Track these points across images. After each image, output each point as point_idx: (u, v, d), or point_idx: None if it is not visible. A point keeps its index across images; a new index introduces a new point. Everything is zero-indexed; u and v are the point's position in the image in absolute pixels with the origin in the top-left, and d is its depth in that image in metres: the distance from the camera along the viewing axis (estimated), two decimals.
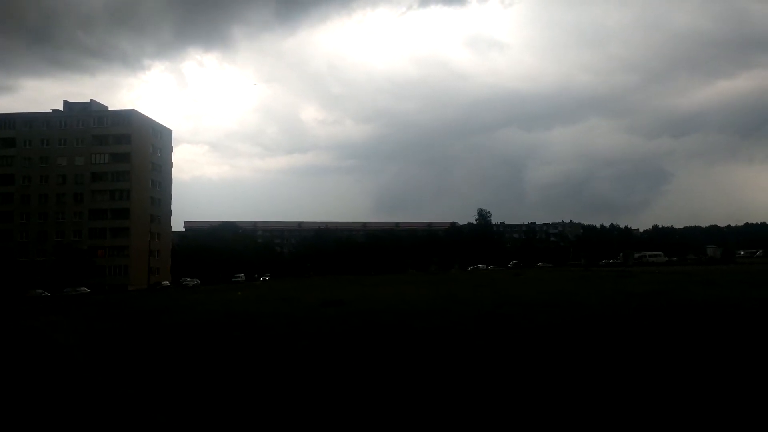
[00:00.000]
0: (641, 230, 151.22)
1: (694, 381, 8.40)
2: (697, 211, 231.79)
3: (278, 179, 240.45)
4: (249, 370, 10.85)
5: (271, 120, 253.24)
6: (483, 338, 13.43)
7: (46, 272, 73.98)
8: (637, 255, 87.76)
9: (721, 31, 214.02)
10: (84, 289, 69.64)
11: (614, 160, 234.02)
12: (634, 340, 12.32)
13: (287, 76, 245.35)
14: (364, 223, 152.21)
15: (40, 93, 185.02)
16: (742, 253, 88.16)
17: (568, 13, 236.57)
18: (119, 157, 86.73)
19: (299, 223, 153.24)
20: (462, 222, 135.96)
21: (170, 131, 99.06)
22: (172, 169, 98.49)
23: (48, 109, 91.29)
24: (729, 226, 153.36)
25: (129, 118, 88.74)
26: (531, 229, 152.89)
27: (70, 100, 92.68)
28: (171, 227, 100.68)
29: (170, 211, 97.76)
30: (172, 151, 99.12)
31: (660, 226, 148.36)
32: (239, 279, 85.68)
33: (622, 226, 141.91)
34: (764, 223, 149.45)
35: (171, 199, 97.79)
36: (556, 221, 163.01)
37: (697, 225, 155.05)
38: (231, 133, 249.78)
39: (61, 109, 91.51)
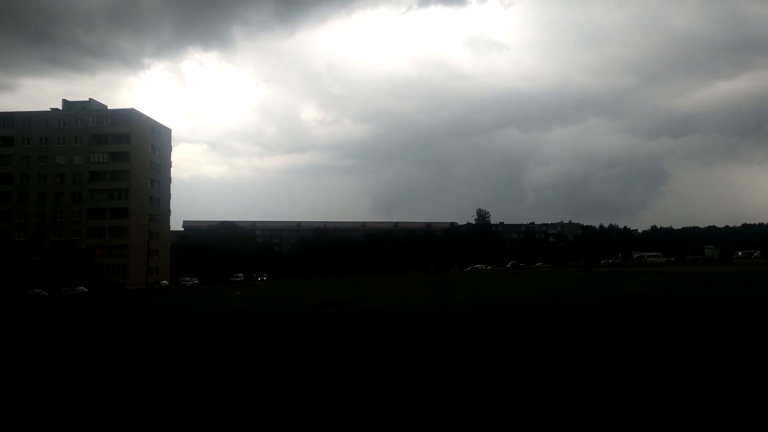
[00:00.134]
0: (640, 231, 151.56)
1: (691, 381, 8.39)
2: (695, 211, 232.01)
3: (277, 179, 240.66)
4: (247, 369, 10.83)
5: (270, 119, 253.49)
6: (482, 338, 13.42)
7: (44, 272, 73.87)
8: (635, 255, 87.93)
9: (720, 32, 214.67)
10: (82, 288, 69.46)
11: (613, 160, 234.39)
12: (632, 340, 12.32)
13: (287, 76, 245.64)
14: (363, 223, 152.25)
15: (39, 92, 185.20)
16: (740, 253, 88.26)
17: (567, 14, 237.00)
18: (118, 156, 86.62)
19: (298, 223, 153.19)
20: (461, 222, 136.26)
21: (169, 130, 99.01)
22: (171, 169, 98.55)
23: (47, 108, 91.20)
24: (727, 226, 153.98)
25: (128, 117, 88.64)
26: (530, 229, 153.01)
27: (69, 99, 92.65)
28: (170, 227, 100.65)
29: (169, 210, 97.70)
30: (171, 150, 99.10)
31: (659, 227, 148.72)
32: (238, 279, 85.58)
33: (621, 226, 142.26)
34: (762, 224, 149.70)
35: (170, 198, 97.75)
36: (555, 222, 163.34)
37: (695, 226, 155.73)
38: (230, 132, 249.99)
39: (60, 108, 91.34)
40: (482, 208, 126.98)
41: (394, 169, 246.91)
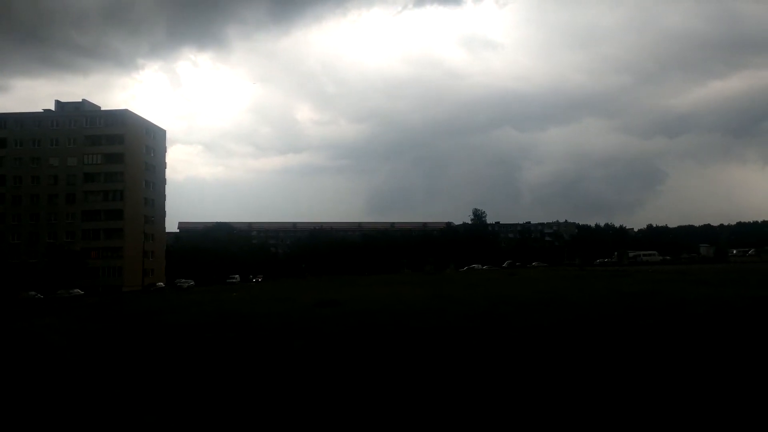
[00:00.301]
0: (636, 230, 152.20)
1: (686, 379, 8.40)
2: (690, 210, 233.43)
3: (272, 179, 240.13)
4: (243, 370, 10.78)
5: (264, 120, 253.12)
6: (479, 338, 13.41)
7: (39, 274, 73.50)
8: (631, 254, 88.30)
9: (714, 32, 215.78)
10: (77, 290, 69.18)
11: (608, 160, 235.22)
12: (628, 339, 12.34)
13: (281, 76, 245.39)
14: (359, 224, 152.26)
15: (31, 92, 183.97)
16: (734, 251, 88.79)
17: (562, 14, 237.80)
18: (112, 158, 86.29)
19: (294, 224, 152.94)
20: (457, 222, 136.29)
21: (164, 131, 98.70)
22: (166, 170, 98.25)
23: (39, 109, 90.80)
24: (722, 225, 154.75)
25: (122, 119, 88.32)
26: (526, 228, 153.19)
27: (62, 100, 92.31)
28: (165, 228, 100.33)
29: (164, 211, 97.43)
30: (165, 151, 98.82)
31: (654, 226, 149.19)
32: (234, 280, 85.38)
33: (617, 225, 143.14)
34: (757, 222, 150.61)
35: (165, 199, 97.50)
36: (551, 221, 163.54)
37: (690, 224, 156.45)
38: (225, 133, 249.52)
39: (53, 109, 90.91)
40: (478, 207, 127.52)
41: (389, 169, 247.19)
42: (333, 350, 12.64)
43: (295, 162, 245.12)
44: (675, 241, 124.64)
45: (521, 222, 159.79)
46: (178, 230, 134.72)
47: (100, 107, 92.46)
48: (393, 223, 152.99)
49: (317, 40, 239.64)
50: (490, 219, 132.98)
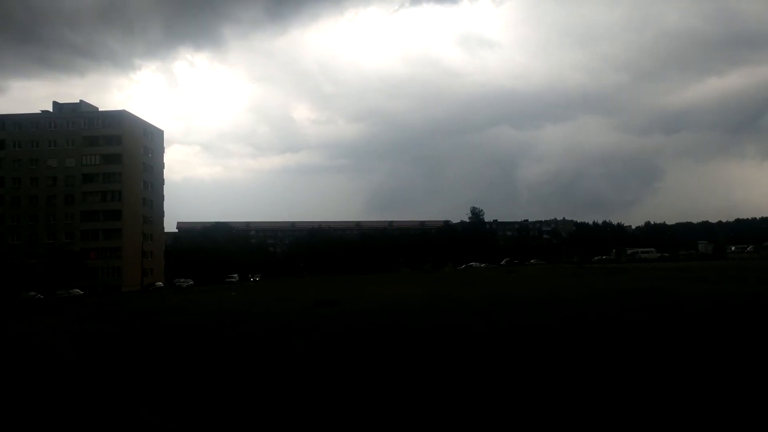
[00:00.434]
0: (634, 227, 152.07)
1: (685, 376, 8.47)
2: (688, 207, 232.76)
3: (271, 179, 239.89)
4: (242, 370, 10.83)
5: (262, 120, 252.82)
6: (478, 336, 13.48)
7: (38, 275, 73.55)
8: (629, 252, 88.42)
9: (711, 29, 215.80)
10: (77, 291, 69.25)
11: (606, 157, 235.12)
12: (626, 336, 12.41)
13: (279, 76, 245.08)
14: (358, 223, 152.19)
15: (28, 93, 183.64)
16: (733, 248, 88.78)
17: (559, 12, 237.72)
18: (110, 159, 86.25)
19: (292, 223, 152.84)
20: (455, 220, 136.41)
21: (161, 132, 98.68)
22: (164, 170, 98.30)
23: (37, 110, 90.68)
24: (720, 222, 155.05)
25: (120, 119, 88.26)
26: (524, 226, 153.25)
27: (60, 101, 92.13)
28: (164, 228, 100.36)
29: (162, 212, 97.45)
30: (163, 151, 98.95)
31: (652, 223, 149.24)
32: (233, 279, 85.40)
33: (615, 223, 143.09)
34: (755, 218, 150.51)
35: (163, 200, 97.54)
36: (549, 219, 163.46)
37: (688, 221, 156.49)
38: (223, 133, 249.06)
39: (51, 110, 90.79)
40: (476, 206, 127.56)
41: (387, 168, 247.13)
42: (332, 349, 12.70)
43: (293, 161, 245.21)
44: (673, 238, 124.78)
45: (519, 220, 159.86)
46: (176, 230, 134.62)
47: (97, 108, 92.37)
48: (391, 222, 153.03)
49: (314, 39, 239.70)
50: (488, 217, 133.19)
